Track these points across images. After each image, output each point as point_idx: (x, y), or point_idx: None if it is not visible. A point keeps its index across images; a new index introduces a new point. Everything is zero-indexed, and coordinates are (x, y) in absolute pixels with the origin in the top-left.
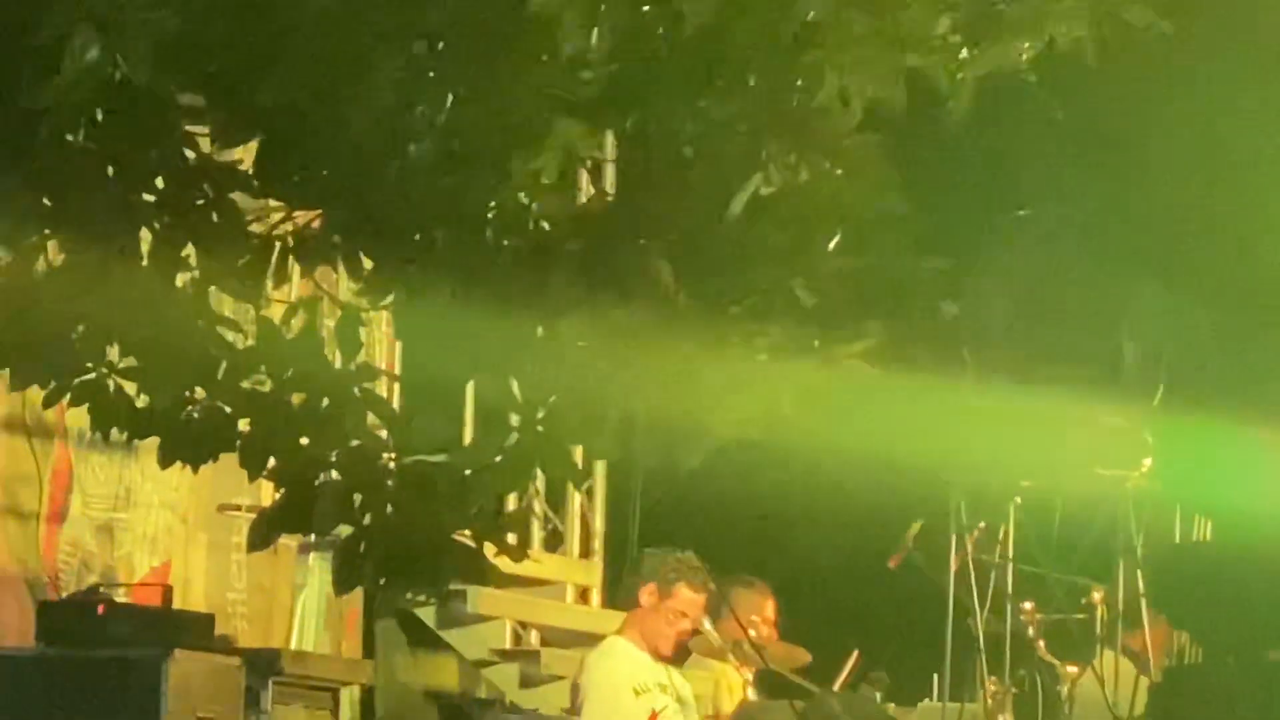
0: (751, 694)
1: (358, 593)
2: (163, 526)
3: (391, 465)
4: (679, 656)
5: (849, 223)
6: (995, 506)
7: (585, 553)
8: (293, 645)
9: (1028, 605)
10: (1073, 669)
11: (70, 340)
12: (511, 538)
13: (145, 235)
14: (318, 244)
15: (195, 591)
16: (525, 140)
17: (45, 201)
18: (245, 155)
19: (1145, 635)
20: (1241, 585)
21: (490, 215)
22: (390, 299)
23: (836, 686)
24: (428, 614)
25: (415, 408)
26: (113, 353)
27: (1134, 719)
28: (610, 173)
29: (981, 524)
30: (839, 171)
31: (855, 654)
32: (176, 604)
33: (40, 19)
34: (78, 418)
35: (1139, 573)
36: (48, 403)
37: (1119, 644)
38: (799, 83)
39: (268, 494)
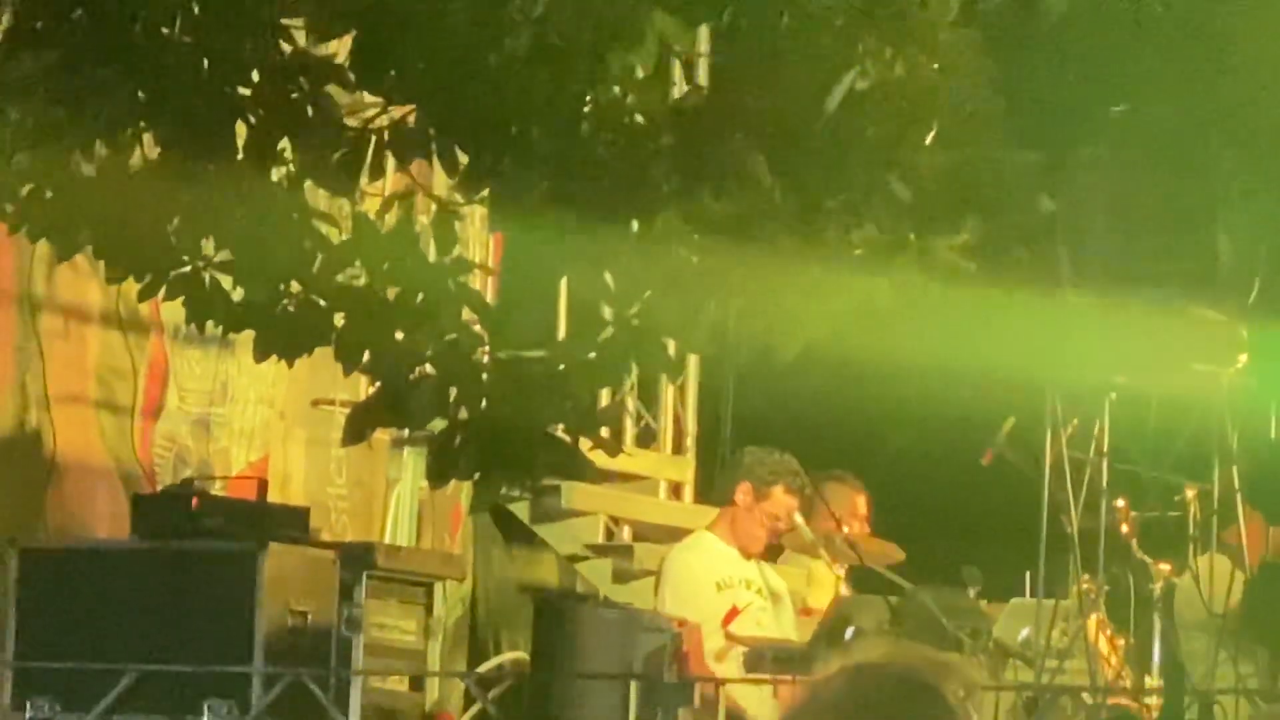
0: (844, 589)
1: (464, 489)
2: (259, 421)
3: (486, 360)
4: (772, 552)
5: (945, 118)
6: (1090, 403)
7: (678, 449)
8: (387, 539)
9: (1121, 503)
10: (1165, 567)
11: (166, 233)
12: (605, 433)
13: (240, 129)
14: (413, 139)
15: (293, 487)
16: (620, 34)
17: (141, 95)
18: (340, 49)
19: (1241, 531)
20: None
21: (585, 110)
22: (485, 194)
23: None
24: (522, 509)
25: (511, 303)
26: (208, 246)
27: (1229, 613)
28: (705, 67)
29: (1075, 421)
30: (935, 66)
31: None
32: (273, 499)
33: None
34: (173, 311)
35: (1234, 469)
36: (143, 296)
37: (1214, 541)
38: None
39: (364, 389)
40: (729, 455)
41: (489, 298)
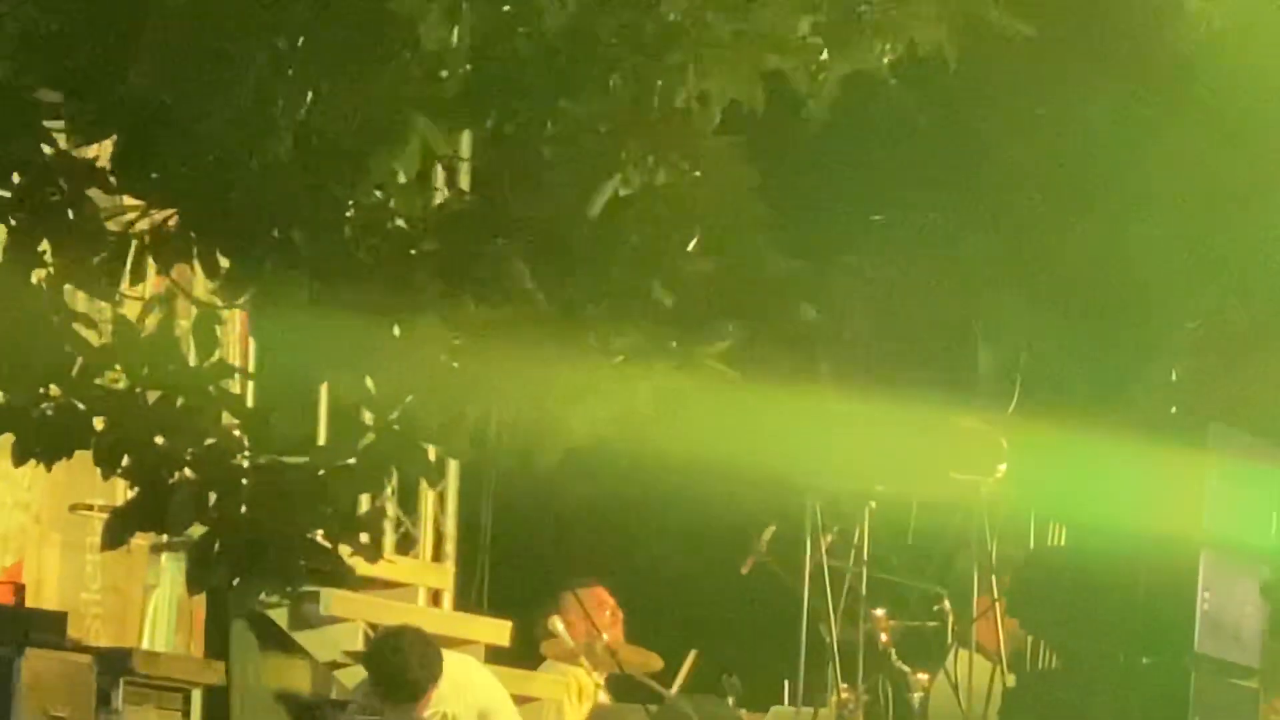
0: (603, 697)
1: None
2: (15, 526)
3: (246, 464)
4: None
5: (707, 224)
6: (849, 511)
7: (438, 556)
8: (145, 645)
9: (880, 612)
10: (924, 676)
11: None
12: (365, 539)
13: (0, 231)
14: (174, 241)
15: (48, 591)
16: (384, 138)
17: None
18: (102, 152)
19: (999, 635)
20: (1094, 591)
21: (348, 214)
22: (246, 297)
23: (674, 688)
24: (280, 615)
25: (270, 407)
26: None
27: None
28: (468, 172)
29: (836, 529)
30: (697, 173)
31: (693, 654)
32: (29, 603)
33: None
34: None
35: (993, 578)
36: None
37: (972, 643)
38: (659, 84)
39: (122, 493)
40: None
41: (249, 402)
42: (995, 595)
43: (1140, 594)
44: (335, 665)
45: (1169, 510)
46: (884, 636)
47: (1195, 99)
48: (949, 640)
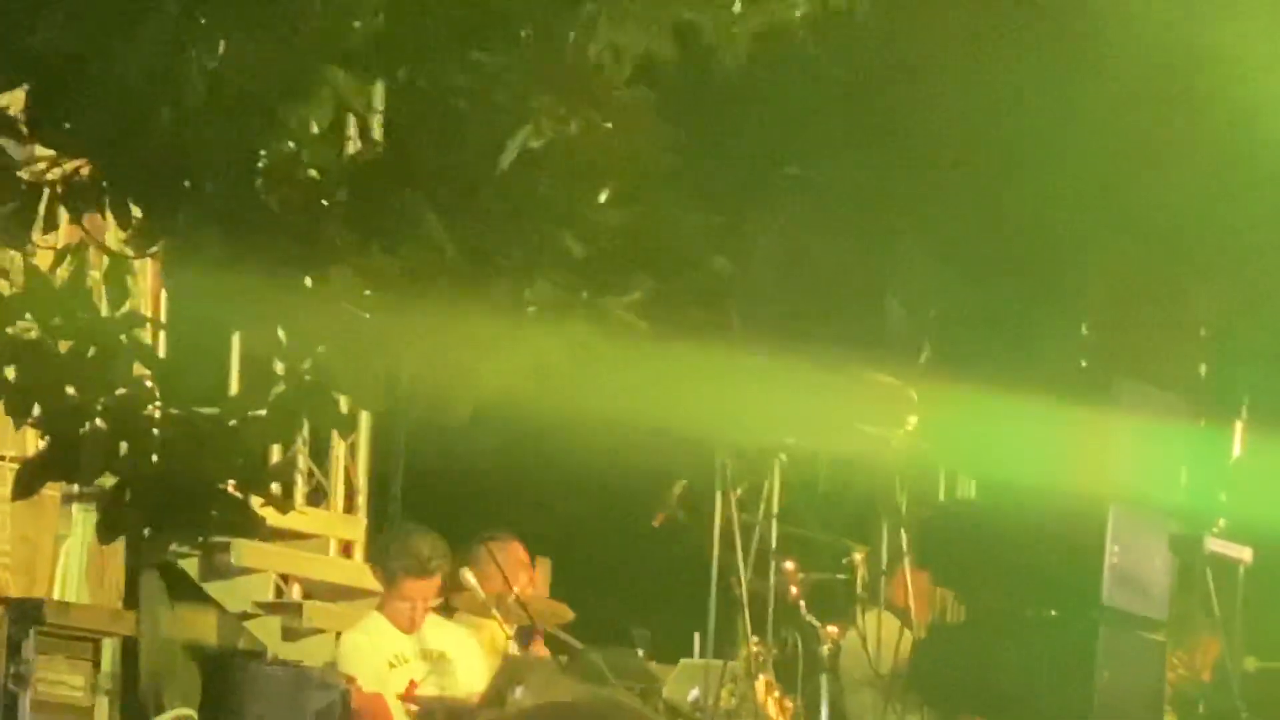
0: (514, 648)
1: (119, 544)
2: None
3: (158, 415)
4: (446, 612)
5: (619, 176)
6: (759, 465)
7: (349, 508)
8: (55, 596)
9: (790, 565)
10: (834, 629)
11: None
12: (276, 489)
13: None
14: (86, 191)
15: None
16: (295, 89)
17: None
18: (13, 102)
19: (908, 592)
20: (1003, 544)
21: (260, 164)
22: (158, 247)
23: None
24: (190, 566)
25: (182, 357)
26: None
27: (897, 675)
28: (380, 123)
29: (745, 484)
30: (609, 125)
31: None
32: None
33: None
34: None
35: (902, 531)
36: None
37: (882, 600)
38: (571, 36)
39: (33, 444)
40: (391, 532)
41: (161, 352)
42: (905, 549)
43: (1049, 547)
44: (245, 616)
45: (1078, 464)
46: (794, 589)
47: (1104, 55)
48: (859, 593)
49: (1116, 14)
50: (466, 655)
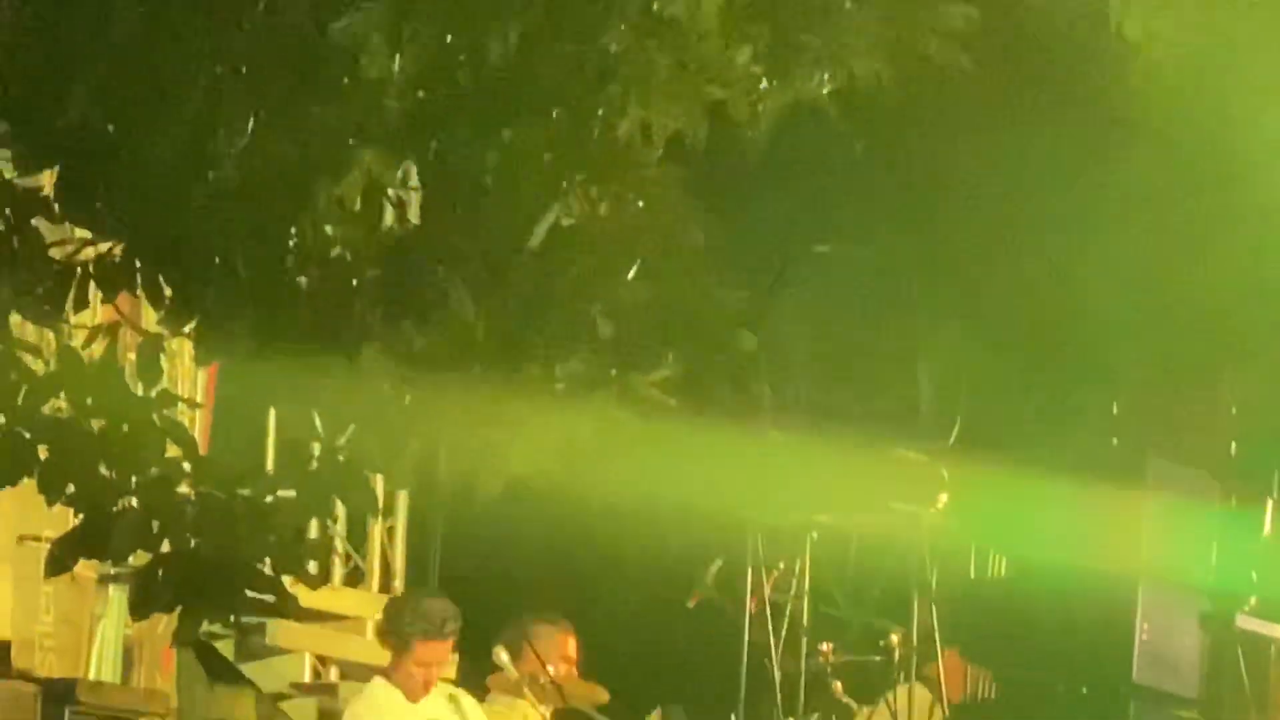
0: None
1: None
2: None
3: (191, 494)
4: (478, 693)
5: (648, 254)
6: (791, 542)
7: (386, 588)
8: (92, 675)
9: (825, 646)
10: (868, 710)
11: None
12: (312, 567)
13: None
14: (119, 270)
15: (1, 623)
16: (327, 167)
17: None
18: (46, 181)
19: (939, 668)
20: (1034, 622)
21: (291, 243)
22: (191, 326)
23: None
24: (227, 646)
25: (216, 436)
26: None
27: None
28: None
29: (780, 564)
30: (639, 203)
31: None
32: None
33: None
34: None
35: (933, 608)
36: None
37: (913, 673)
38: (600, 114)
39: (70, 524)
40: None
41: (202, 431)
42: (934, 626)
43: (1079, 625)
44: (281, 697)
45: (1108, 542)
46: (829, 670)
47: (1141, 132)
48: (895, 674)
49: (1153, 95)
50: None
